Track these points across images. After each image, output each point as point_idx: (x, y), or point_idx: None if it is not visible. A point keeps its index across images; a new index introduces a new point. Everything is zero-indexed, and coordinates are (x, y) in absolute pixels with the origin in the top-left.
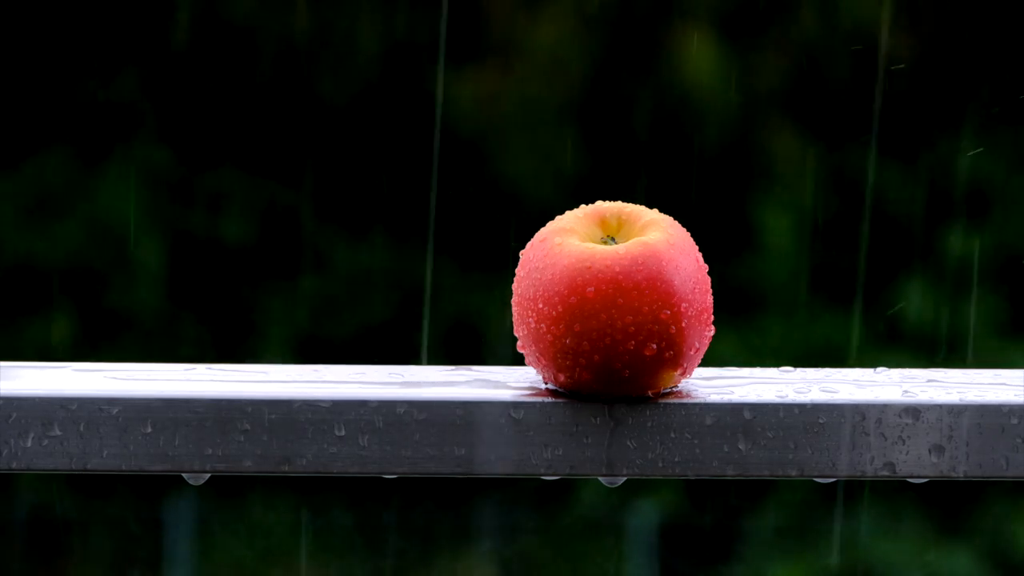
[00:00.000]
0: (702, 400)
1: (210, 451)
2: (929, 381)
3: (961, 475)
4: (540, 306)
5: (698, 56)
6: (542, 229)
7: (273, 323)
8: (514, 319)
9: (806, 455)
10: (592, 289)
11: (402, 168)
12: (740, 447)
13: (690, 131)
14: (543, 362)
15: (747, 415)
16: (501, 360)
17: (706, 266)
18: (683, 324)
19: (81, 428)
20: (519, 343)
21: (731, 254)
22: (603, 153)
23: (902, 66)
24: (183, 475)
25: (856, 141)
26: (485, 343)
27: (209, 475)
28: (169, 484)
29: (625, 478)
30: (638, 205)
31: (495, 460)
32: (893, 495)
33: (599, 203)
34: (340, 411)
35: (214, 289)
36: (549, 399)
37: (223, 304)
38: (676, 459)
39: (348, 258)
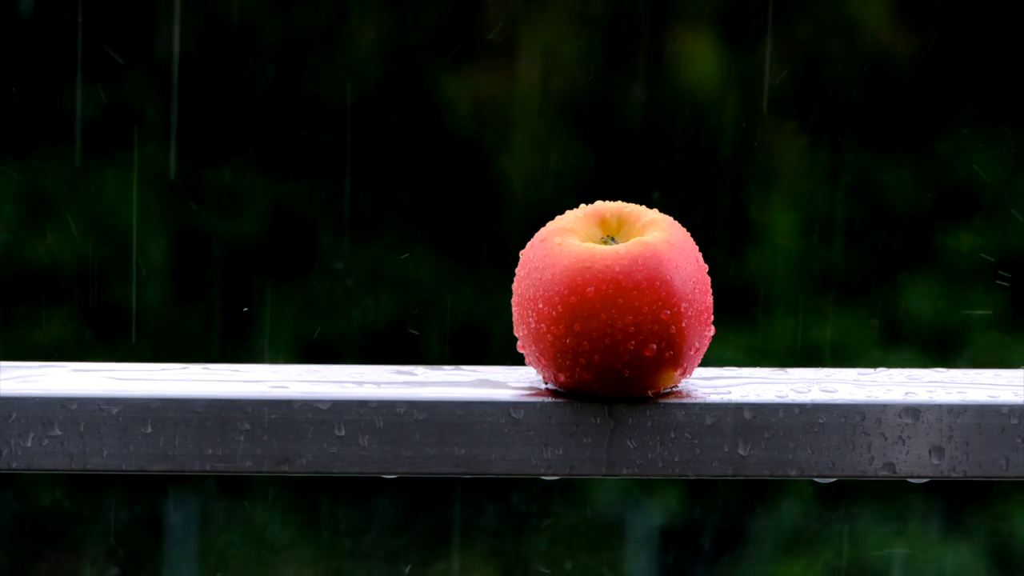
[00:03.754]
0: (702, 400)
1: (210, 451)
2: (929, 381)
3: (961, 475)
4: (540, 306)
5: (699, 55)
6: (542, 229)
7: (275, 323)
8: (514, 319)
9: (806, 455)
10: (592, 289)
11: (402, 168)
12: (740, 447)
13: (691, 130)
14: (543, 362)
15: (747, 415)
16: (501, 360)
17: (706, 266)
18: (683, 324)
19: (81, 428)
20: (519, 343)
21: (731, 254)
22: (603, 153)
23: (904, 65)
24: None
25: (858, 140)
26: (485, 343)
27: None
28: (169, 484)
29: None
30: (638, 205)
31: (495, 460)
32: (894, 494)
33: (599, 203)
34: (340, 411)
35: (215, 289)
36: (549, 399)
37: (225, 304)
38: (676, 459)
39: (348, 258)
